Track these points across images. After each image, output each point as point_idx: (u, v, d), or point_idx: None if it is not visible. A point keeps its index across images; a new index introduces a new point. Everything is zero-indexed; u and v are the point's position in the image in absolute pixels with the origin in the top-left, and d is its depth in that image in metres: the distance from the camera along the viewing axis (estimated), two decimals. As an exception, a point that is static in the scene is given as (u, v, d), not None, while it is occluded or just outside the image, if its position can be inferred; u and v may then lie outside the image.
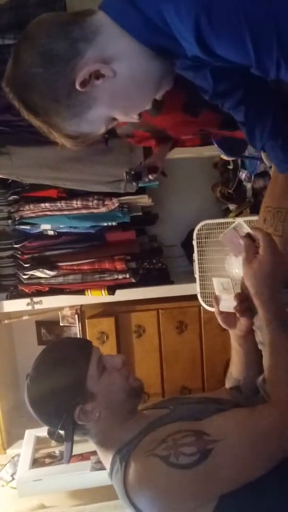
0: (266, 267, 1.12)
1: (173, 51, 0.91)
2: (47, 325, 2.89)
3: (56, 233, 2.41)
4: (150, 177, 1.58)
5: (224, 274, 2.20)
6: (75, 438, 1.23)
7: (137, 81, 0.95)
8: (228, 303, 1.26)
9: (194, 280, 2.33)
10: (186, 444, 1.06)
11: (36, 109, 0.94)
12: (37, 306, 2.48)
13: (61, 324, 2.69)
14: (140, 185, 2.30)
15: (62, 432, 1.22)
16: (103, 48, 0.90)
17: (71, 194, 2.31)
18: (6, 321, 2.64)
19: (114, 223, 2.40)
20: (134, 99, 0.98)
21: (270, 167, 1.48)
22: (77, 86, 0.90)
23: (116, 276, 2.40)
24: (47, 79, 0.90)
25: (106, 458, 1.19)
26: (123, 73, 0.92)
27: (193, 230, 2.33)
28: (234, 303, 1.24)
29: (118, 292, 2.44)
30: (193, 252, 2.33)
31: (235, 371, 1.34)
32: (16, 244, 2.43)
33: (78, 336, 2.59)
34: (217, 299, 1.28)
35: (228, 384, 1.36)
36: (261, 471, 1.06)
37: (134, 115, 1.02)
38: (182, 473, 1.04)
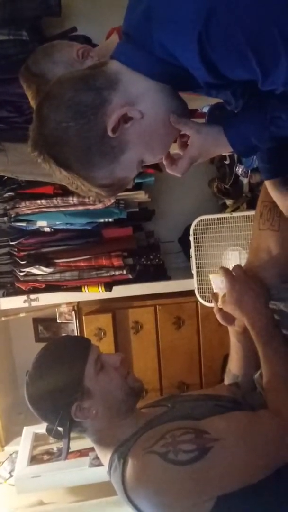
0: (232, 297, 1.22)
1: (187, 82, 0.93)
2: (44, 322, 2.89)
3: (52, 229, 2.41)
4: None
5: (221, 269, 2.20)
6: (73, 435, 1.24)
7: (162, 118, 0.97)
8: None
9: (191, 276, 2.33)
10: (185, 441, 1.06)
11: (68, 163, 0.95)
12: (34, 303, 2.47)
13: (58, 321, 2.69)
14: (136, 181, 2.29)
15: (60, 429, 1.23)
16: (127, 91, 0.93)
17: (67, 191, 2.29)
18: (3, 319, 2.64)
19: (110, 220, 2.40)
20: (161, 137, 1.00)
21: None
22: (109, 132, 0.92)
23: (113, 273, 2.40)
24: (79, 130, 0.92)
25: (105, 457, 1.20)
26: (149, 113, 0.95)
27: (190, 225, 2.33)
28: None
29: (115, 288, 2.43)
30: (190, 247, 2.32)
31: (234, 366, 1.34)
32: (12, 241, 2.42)
33: (76, 333, 2.59)
34: (215, 296, 1.29)
35: (227, 380, 1.37)
36: (259, 476, 1.06)
37: (162, 155, 1.03)
38: (180, 469, 1.04)
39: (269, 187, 1.24)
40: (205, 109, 1.94)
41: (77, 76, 0.95)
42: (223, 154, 2.25)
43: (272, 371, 1.17)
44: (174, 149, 1.07)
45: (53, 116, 0.92)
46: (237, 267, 1.28)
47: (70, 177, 0.97)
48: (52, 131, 0.93)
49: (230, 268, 1.28)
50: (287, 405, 1.12)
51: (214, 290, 1.31)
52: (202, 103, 1.93)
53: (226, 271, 1.26)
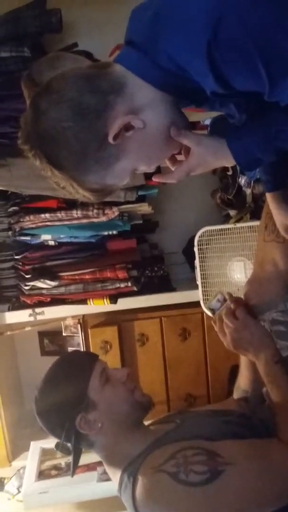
0: (232, 342, 1.28)
1: (191, 94, 0.92)
2: (50, 336, 2.88)
3: (56, 243, 2.41)
4: None
5: (226, 280, 2.20)
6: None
7: (163, 130, 0.95)
8: None
9: (196, 287, 2.33)
10: (197, 462, 1.05)
11: (61, 163, 0.91)
12: (39, 317, 2.47)
13: (64, 334, 2.68)
14: (140, 193, 2.30)
15: (69, 444, 1.23)
16: (131, 99, 0.91)
17: (71, 204, 2.31)
18: (8, 333, 2.63)
19: (114, 232, 2.40)
20: (160, 149, 0.98)
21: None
22: (110, 139, 0.90)
23: (118, 285, 2.40)
24: (78, 133, 0.88)
25: (114, 475, 1.19)
26: (151, 123, 0.93)
27: (193, 236, 2.33)
28: None
29: (120, 300, 2.43)
30: (194, 258, 2.33)
31: (243, 382, 1.34)
32: (17, 255, 2.43)
33: (81, 346, 2.58)
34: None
35: (236, 395, 1.36)
36: (270, 506, 1.05)
37: (156, 165, 1.02)
38: (190, 491, 1.03)
39: (269, 199, 1.24)
40: (207, 122, 1.96)
41: (82, 74, 0.91)
42: (225, 166, 2.26)
43: (281, 401, 1.17)
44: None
45: (52, 113, 0.88)
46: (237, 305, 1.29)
47: (59, 176, 0.94)
48: (49, 128, 0.89)
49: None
50: None
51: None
52: (204, 116, 1.95)
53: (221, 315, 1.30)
